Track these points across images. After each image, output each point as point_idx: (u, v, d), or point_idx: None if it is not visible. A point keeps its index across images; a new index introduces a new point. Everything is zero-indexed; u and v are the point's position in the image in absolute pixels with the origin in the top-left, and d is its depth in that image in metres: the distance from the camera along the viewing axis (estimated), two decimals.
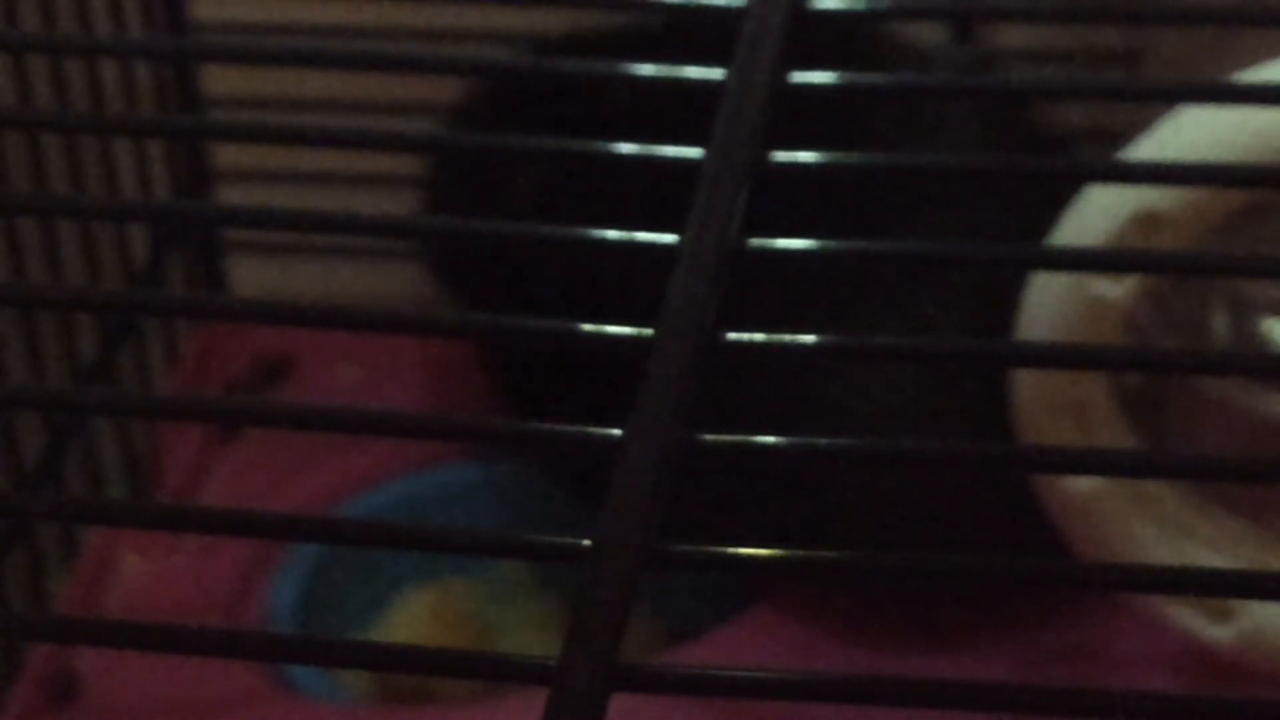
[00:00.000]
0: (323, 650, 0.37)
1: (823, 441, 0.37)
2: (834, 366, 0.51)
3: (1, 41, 0.50)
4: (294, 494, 0.67)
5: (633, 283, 0.39)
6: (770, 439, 0.36)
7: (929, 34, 0.70)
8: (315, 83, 0.67)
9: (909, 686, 0.33)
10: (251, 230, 0.74)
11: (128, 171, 0.70)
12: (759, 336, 0.37)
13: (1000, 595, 0.60)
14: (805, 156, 0.40)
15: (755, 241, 0.38)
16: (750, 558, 0.35)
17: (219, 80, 0.74)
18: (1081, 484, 0.51)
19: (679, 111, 0.41)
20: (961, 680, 0.33)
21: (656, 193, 0.39)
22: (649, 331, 0.36)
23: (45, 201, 0.63)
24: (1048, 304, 0.50)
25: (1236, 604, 0.52)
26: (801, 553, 0.36)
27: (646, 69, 0.43)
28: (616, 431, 0.35)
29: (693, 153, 0.40)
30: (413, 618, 0.66)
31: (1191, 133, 0.48)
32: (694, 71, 0.42)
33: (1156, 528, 0.52)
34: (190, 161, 0.74)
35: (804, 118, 0.41)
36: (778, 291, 0.40)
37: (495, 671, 0.36)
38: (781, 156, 0.40)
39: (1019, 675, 0.60)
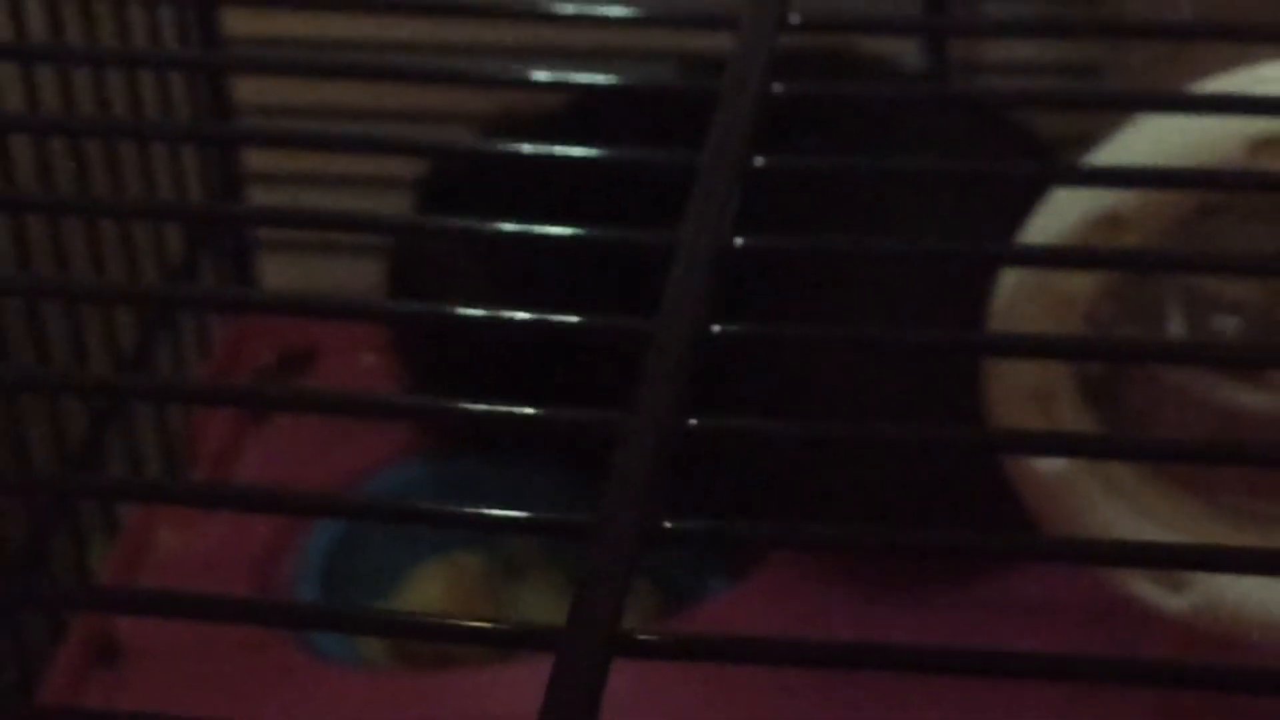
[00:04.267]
0: (344, 618, 0.37)
1: (807, 426, 0.37)
2: (822, 359, 0.51)
3: (49, 54, 0.50)
4: (318, 474, 0.67)
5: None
6: (757, 423, 0.36)
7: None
8: (338, 92, 0.67)
9: (889, 652, 0.33)
10: (278, 229, 0.74)
11: (164, 175, 0.70)
12: (747, 329, 0.37)
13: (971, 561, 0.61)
14: (789, 162, 0.40)
15: (743, 241, 0.38)
16: (742, 533, 0.35)
17: (249, 90, 0.74)
18: (1048, 465, 0.51)
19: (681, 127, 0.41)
20: (939, 646, 0.33)
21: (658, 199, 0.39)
22: (647, 326, 0.36)
23: (89, 203, 0.63)
24: (1016, 299, 0.50)
25: (1190, 576, 0.52)
26: (790, 529, 0.36)
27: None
28: (618, 417, 0.35)
29: (689, 158, 0.40)
30: (428, 589, 0.66)
31: (1149, 139, 0.48)
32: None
33: (1117, 506, 0.52)
34: (222, 166, 0.74)
35: (793, 132, 0.41)
36: (771, 292, 0.40)
37: (504, 639, 0.36)
38: (766, 162, 0.40)
39: (983, 626, 0.61)
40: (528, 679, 0.31)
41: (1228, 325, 0.56)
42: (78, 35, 0.63)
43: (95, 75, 0.63)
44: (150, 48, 0.69)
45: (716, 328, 0.37)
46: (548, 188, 0.50)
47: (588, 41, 0.67)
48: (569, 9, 0.46)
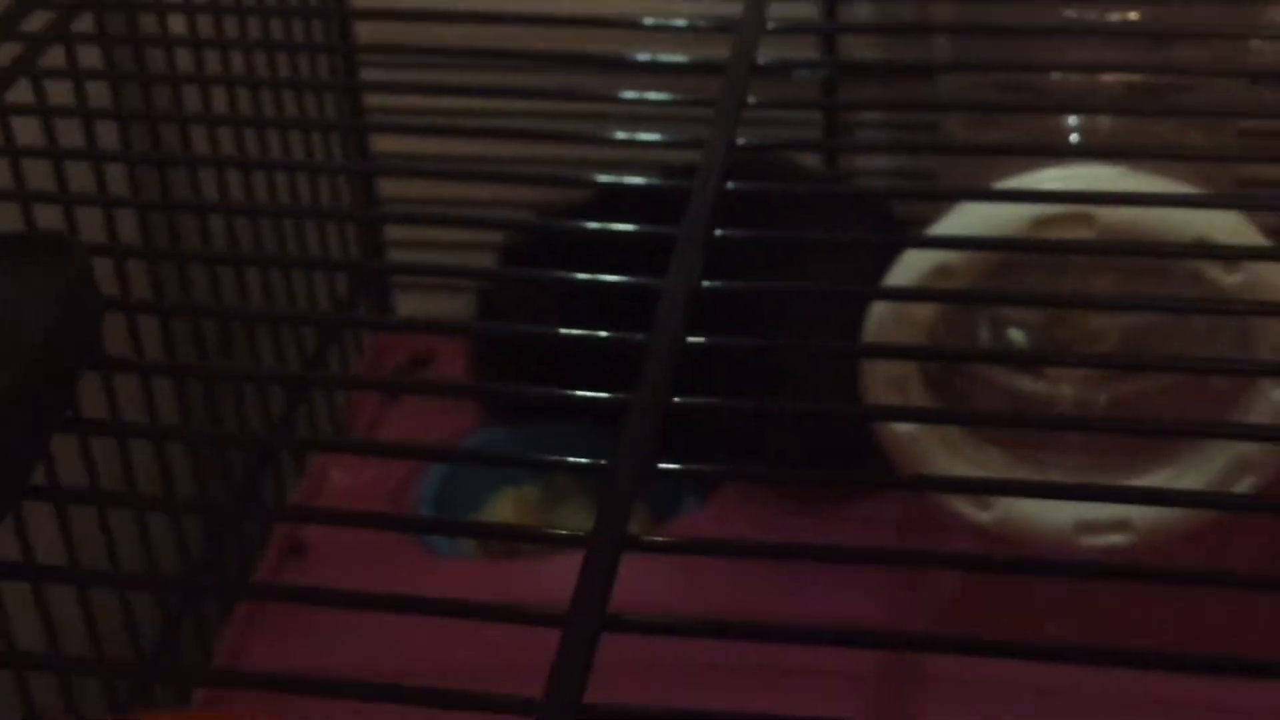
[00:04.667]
0: (449, 526, 0.37)
1: (751, 402, 0.37)
2: (763, 359, 0.51)
3: (232, 162, 0.49)
4: (433, 434, 0.67)
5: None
6: (718, 401, 0.36)
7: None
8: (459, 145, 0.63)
9: (809, 549, 0.33)
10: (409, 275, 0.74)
11: (334, 235, 0.70)
12: (711, 340, 0.37)
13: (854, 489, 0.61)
14: (738, 233, 0.41)
15: (708, 284, 0.39)
16: (708, 470, 0.35)
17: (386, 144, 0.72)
18: (902, 428, 0.51)
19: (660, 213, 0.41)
20: (838, 546, 0.33)
21: (653, 256, 0.40)
22: (645, 339, 0.37)
23: (296, 258, 0.62)
24: (883, 321, 0.50)
25: (992, 499, 0.52)
26: (739, 468, 0.36)
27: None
28: (627, 396, 0.35)
29: (672, 230, 0.40)
30: (502, 509, 0.66)
31: (968, 218, 0.48)
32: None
33: (947, 455, 0.52)
34: (371, 237, 0.74)
35: (740, 214, 0.41)
36: (729, 317, 0.41)
37: (552, 540, 0.36)
38: (723, 234, 0.40)
39: (863, 531, 0.60)
40: (568, 566, 0.31)
41: (1017, 337, 0.56)
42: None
43: (269, 179, 0.61)
44: (312, 159, 0.65)
45: (691, 339, 0.37)
46: (587, 248, 0.50)
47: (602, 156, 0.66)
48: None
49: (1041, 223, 0.46)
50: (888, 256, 0.49)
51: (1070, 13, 0.52)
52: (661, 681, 0.49)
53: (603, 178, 0.46)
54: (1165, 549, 0.52)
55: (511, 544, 0.63)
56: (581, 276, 0.40)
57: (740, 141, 0.43)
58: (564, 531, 0.34)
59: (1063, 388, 0.55)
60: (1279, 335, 0.48)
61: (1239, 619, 0.55)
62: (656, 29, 0.53)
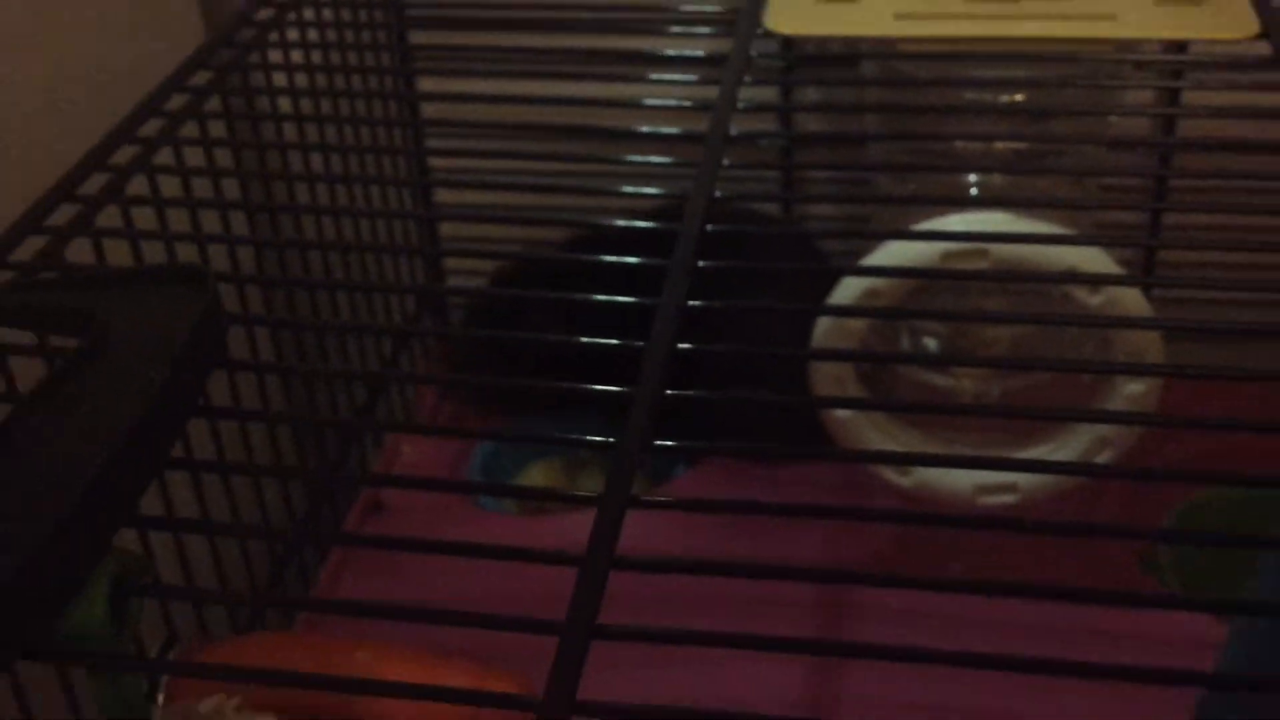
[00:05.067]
0: (493, 489, 0.37)
1: (727, 393, 0.37)
2: (736, 360, 0.51)
3: (326, 210, 0.49)
4: (480, 419, 0.67)
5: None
6: (700, 393, 0.36)
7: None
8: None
9: (773, 507, 0.33)
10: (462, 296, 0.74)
11: (404, 268, 0.70)
12: (695, 348, 0.37)
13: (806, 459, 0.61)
14: (717, 264, 0.40)
15: (693, 303, 0.38)
16: (694, 446, 0.35)
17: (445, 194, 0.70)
18: (842, 413, 0.51)
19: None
20: (799, 504, 0.33)
21: (650, 282, 0.40)
22: (644, 345, 0.37)
23: (372, 284, 0.62)
24: (827, 332, 0.50)
25: (911, 468, 0.52)
26: (717, 445, 0.35)
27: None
28: (630, 389, 0.35)
29: (665, 262, 0.40)
30: (534, 476, 0.65)
31: (892, 253, 0.48)
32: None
33: (877, 434, 0.52)
34: (432, 267, 0.74)
35: (719, 249, 0.41)
36: (712, 327, 0.40)
37: (571, 499, 0.36)
38: (705, 265, 0.40)
39: (811, 491, 0.58)
40: (584, 521, 0.31)
41: (930, 344, 0.56)
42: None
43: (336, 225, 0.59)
44: (379, 208, 0.62)
45: (680, 345, 0.37)
46: (593, 274, 0.50)
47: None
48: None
49: (948, 256, 0.46)
50: (829, 282, 0.49)
51: (971, 95, 0.52)
52: (657, 608, 0.49)
53: (622, 221, 0.46)
54: (1043, 506, 0.52)
55: (541, 503, 0.63)
56: (600, 297, 0.40)
57: (717, 194, 0.43)
58: (582, 493, 0.34)
59: (965, 383, 0.55)
60: (1131, 343, 0.49)
61: (1098, 559, 0.55)
62: (654, 108, 0.53)
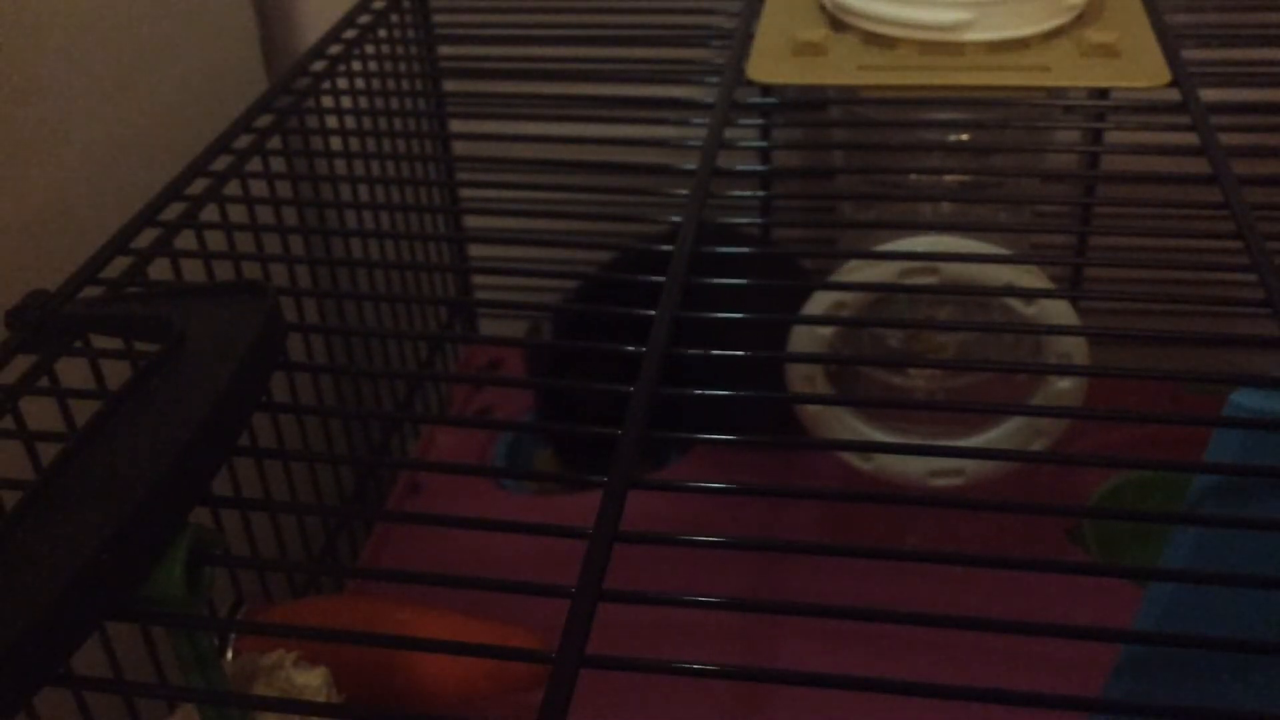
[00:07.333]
0: (514, 472, 0.37)
1: (713, 391, 0.37)
2: (724, 361, 0.51)
3: (372, 233, 0.49)
4: (503, 412, 0.67)
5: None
6: (690, 391, 0.36)
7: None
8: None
9: (759, 489, 0.33)
10: (488, 308, 0.73)
11: (438, 282, 0.70)
12: (688, 353, 0.37)
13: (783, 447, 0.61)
14: (706, 279, 0.40)
15: (685, 314, 0.38)
16: (686, 437, 0.35)
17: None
18: (813, 408, 0.51)
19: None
20: (781, 485, 0.33)
21: (649, 295, 0.39)
22: (643, 349, 0.37)
23: (411, 296, 0.61)
24: (799, 337, 0.50)
25: (872, 455, 0.52)
26: (706, 437, 0.35)
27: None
28: (631, 388, 0.35)
29: (661, 278, 0.40)
30: (547, 462, 0.66)
31: (856, 269, 0.48)
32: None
33: (843, 426, 0.52)
34: (462, 282, 0.74)
35: (707, 266, 0.41)
36: (701, 333, 0.40)
37: (580, 482, 0.36)
38: (696, 280, 0.40)
39: (785, 475, 0.59)
40: (593, 501, 0.31)
41: (891, 347, 0.56)
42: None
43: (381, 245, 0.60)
44: (416, 231, 0.65)
45: (674, 350, 0.37)
46: (608, 289, 0.50)
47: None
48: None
49: (905, 273, 0.46)
50: (803, 295, 0.49)
51: (924, 135, 0.52)
52: (654, 573, 0.49)
53: (636, 247, 0.46)
54: (986, 487, 0.52)
55: (554, 485, 0.63)
56: (606, 310, 0.39)
57: (705, 220, 0.43)
58: (588, 476, 0.34)
59: (918, 381, 0.55)
60: (1060, 347, 0.49)
61: (1032, 533, 0.55)
62: (652, 144, 0.53)
